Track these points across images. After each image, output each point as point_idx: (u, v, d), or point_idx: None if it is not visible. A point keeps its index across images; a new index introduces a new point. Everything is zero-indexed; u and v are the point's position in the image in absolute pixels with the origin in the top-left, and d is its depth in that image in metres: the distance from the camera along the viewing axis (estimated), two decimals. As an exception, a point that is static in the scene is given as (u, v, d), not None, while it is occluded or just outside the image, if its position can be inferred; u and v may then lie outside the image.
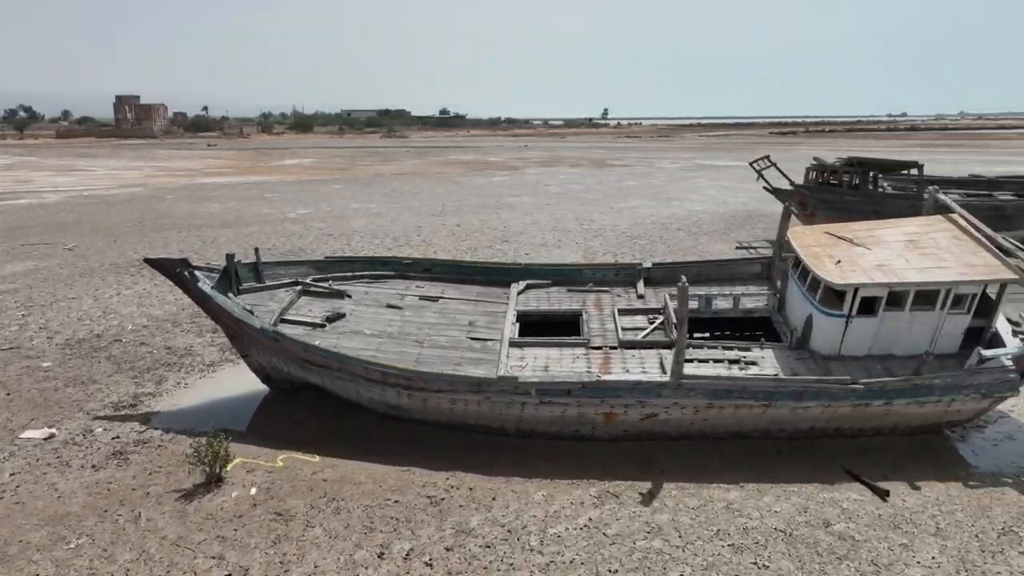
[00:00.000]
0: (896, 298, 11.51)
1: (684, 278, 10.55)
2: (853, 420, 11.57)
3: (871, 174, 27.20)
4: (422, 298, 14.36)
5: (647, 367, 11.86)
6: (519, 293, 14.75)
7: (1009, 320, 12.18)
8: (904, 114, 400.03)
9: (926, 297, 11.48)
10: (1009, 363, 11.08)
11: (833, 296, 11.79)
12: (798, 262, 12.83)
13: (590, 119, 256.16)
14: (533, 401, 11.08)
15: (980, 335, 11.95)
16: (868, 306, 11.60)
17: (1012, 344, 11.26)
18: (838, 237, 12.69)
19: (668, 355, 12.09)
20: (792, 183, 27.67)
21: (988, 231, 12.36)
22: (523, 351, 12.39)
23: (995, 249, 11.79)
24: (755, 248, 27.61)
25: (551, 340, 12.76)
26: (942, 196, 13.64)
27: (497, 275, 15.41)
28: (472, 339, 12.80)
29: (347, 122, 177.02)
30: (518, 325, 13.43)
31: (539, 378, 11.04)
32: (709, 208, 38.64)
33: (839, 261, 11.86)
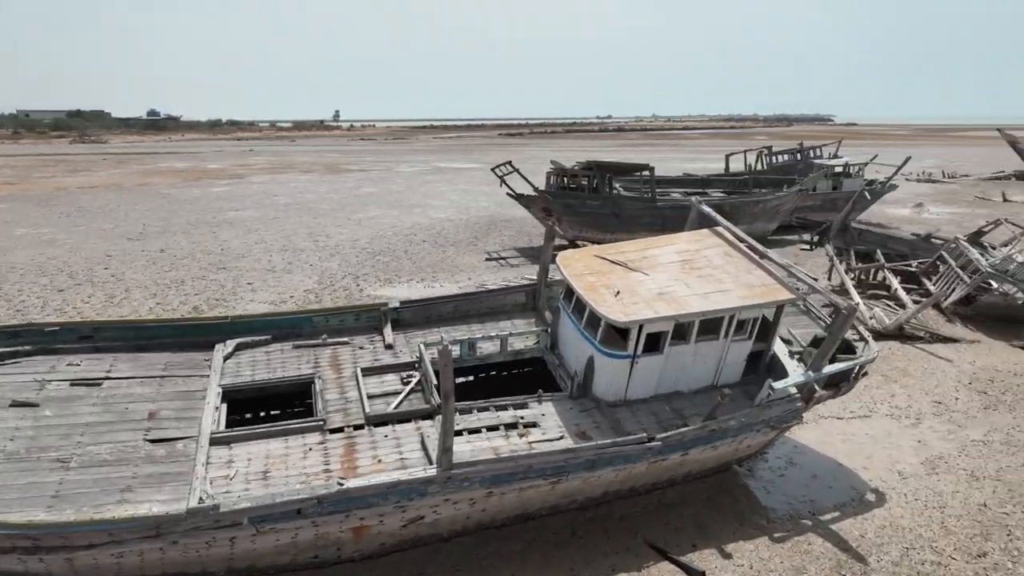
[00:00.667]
0: (681, 330, 10.05)
1: (445, 340, 7.93)
2: (648, 476, 9.94)
3: (607, 177, 27.26)
4: (76, 383, 9.95)
5: (405, 451, 9.02)
6: (227, 358, 11.00)
7: (782, 339, 11.44)
8: (610, 116, 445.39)
9: (710, 326, 10.17)
10: (795, 391, 10.18)
11: (616, 335, 10.00)
12: (570, 292, 10.91)
13: (321, 121, 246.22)
14: (248, 532, 7.66)
15: (759, 359, 11.04)
16: (653, 342, 9.99)
17: (796, 371, 10.37)
18: (611, 261, 10.99)
19: (430, 428, 9.43)
20: (535, 188, 26.76)
21: (753, 242, 11.52)
22: (231, 451, 8.82)
23: (767, 266, 10.91)
24: (504, 259, 26.21)
25: (272, 427, 9.32)
26: (705, 208, 12.70)
27: (194, 334, 11.44)
28: (153, 442, 8.89)
29: (24, 124, 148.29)
30: (225, 408, 9.77)
31: (254, 500, 7.61)
32: (452, 215, 36.97)
33: (618, 292, 10.09)
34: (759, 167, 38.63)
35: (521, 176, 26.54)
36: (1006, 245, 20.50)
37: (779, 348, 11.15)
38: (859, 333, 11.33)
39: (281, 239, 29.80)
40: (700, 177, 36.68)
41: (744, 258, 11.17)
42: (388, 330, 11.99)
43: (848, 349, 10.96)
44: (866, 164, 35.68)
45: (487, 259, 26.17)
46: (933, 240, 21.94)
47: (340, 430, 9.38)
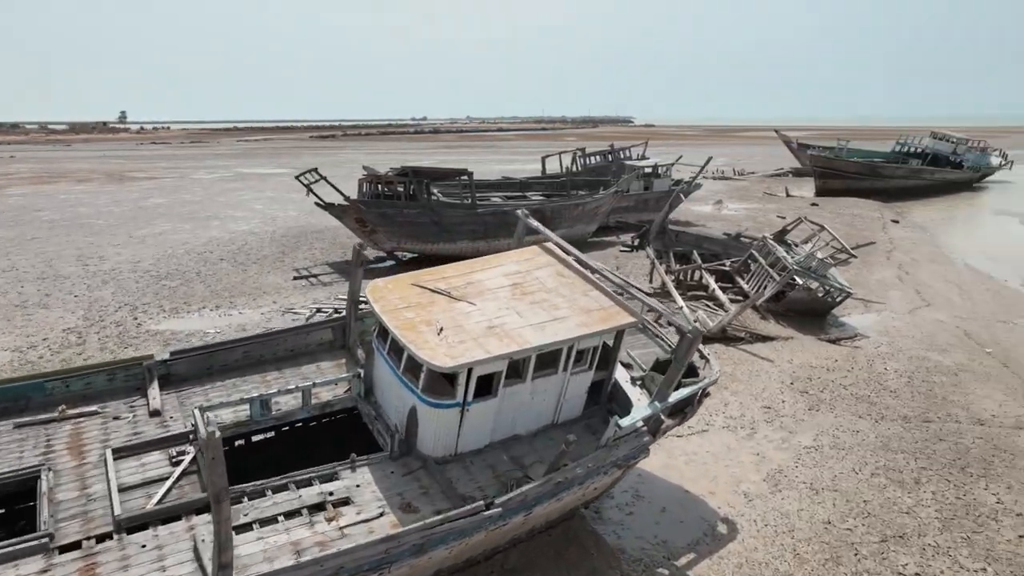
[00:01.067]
0: (517, 368, 8.69)
1: (213, 422, 5.85)
2: (488, 543, 8.45)
3: (424, 183, 25.63)
4: None
5: (171, 565, 6.78)
6: (-94, 454, 7.97)
7: (622, 363, 10.48)
8: (425, 118, 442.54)
9: (548, 360, 8.91)
10: (642, 425, 9.18)
11: (442, 380, 8.39)
12: (385, 331, 9.14)
13: (105, 123, 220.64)
14: None
15: (600, 389, 9.99)
16: (486, 385, 8.53)
17: (641, 403, 9.41)
18: (432, 290, 9.36)
19: (209, 527, 7.23)
20: (346, 198, 24.47)
21: (584, 257, 10.47)
22: None
23: (603, 286, 9.87)
24: (316, 276, 23.68)
25: (-32, 556, 6.64)
26: (533, 221, 11.46)
27: None
28: None
29: None
30: None
31: None
32: (257, 227, 33.48)
33: (441, 329, 8.50)
34: (574, 168, 39.00)
35: (329, 184, 24.18)
36: (807, 242, 21.65)
37: (620, 375, 10.19)
38: (700, 352, 10.65)
39: (40, 264, 24.93)
40: (519, 180, 36.17)
41: (578, 277, 10.05)
42: (155, 391, 9.47)
43: (691, 371, 10.22)
44: (673, 164, 37.17)
45: (296, 277, 23.50)
46: (742, 239, 22.73)
47: (76, 545, 6.90)
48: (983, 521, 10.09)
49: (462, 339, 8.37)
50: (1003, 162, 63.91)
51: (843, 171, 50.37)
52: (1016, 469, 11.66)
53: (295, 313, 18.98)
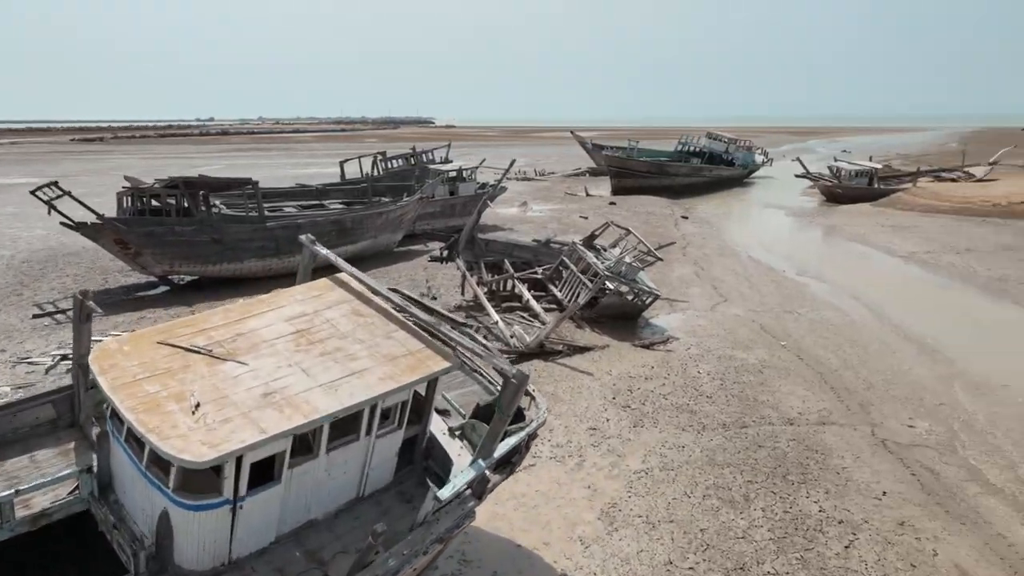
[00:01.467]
0: (306, 443, 6.86)
1: None
2: (278, 676, 6.55)
3: (201, 195, 22.34)
4: None
5: None
6: None
7: (437, 410, 8.98)
8: (212, 119, 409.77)
9: (346, 425, 7.17)
10: (465, 489, 7.74)
11: (201, 477, 6.33)
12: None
13: None
14: None
15: (412, 446, 8.42)
16: (264, 471, 6.61)
17: (462, 461, 8.01)
18: (187, 349, 7.17)
19: None
20: (99, 216, 20.57)
21: (382, 288, 8.82)
22: None
23: (409, 323, 8.30)
24: (65, 311, 19.62)
25: None
26: (321, 248, 9.52)
27: None
28: None
29: None
30: None
31: None
32: (-10, 251, 27.66)
33: (197, 405, 6.42)
34: (375, 173, 37.01)
35: (74, 199, 20.18)
36: (615, 246, 21.61)
37: (436, 425, 8.70)
38: (526, 391, 9.41)
39: None
40: (315, 187, 33.43)
41: (380, 315, 8.39)
42: None
43: (517, 414, 8.95)
44: (477, 167, 36.45)
45: (37, 315, 19.25)
46: (552, 245, 22.25)
47: None
48: (811, 535, 9.91)
49: (227, 416, 6.37)
50: (765, 159, 71.36)
51: (635, 170, 53.08)
52: (828, 470, 11.82)
53: (32, 363, 15.28)
